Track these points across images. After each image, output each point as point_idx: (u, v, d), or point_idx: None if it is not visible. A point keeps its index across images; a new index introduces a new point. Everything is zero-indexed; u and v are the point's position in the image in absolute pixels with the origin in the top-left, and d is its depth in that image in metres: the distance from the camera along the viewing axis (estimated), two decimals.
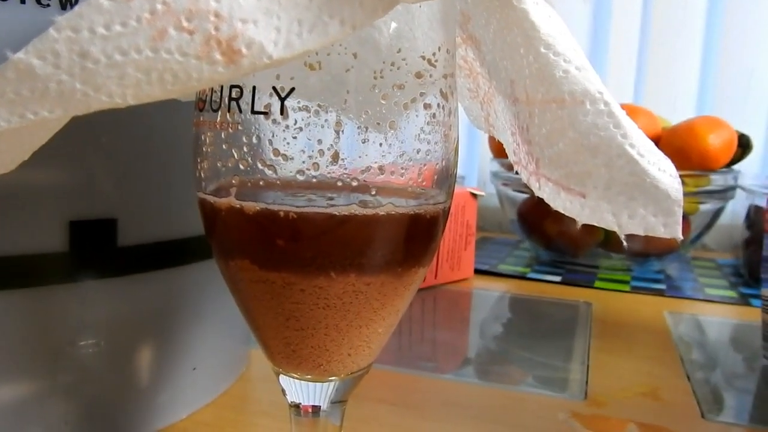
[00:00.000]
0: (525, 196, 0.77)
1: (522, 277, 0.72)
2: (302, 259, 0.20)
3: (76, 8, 0.14)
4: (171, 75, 0.15)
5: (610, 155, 0.17)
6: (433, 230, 0.22)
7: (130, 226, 0.28)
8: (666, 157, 0.18)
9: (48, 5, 0.25)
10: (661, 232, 0.17)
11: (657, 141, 0.73)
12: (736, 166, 0.76)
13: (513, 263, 0.79)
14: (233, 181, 0.20)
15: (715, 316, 0.61)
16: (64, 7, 0.25)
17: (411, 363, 0.45)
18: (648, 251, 0.74)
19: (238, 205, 0.20)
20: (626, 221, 0.17)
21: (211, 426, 0.33)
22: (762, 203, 0.69)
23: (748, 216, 0.75)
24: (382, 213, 0.20)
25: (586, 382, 0.42)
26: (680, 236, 0.17)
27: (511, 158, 0.24)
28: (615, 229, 0.18)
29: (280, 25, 0.16)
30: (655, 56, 0.95)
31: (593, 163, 0.18)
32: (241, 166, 0.20)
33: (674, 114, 0.82)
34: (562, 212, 0.19)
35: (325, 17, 0.16)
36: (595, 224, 0.18)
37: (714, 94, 0.93)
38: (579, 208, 0.19)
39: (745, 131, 0.75)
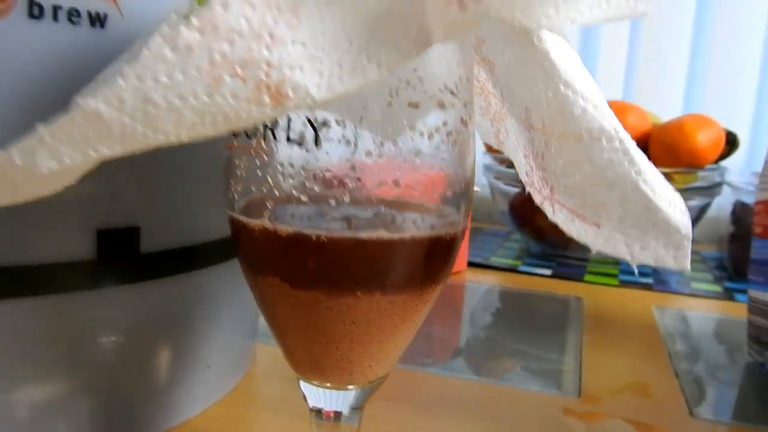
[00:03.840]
0: (516, 189, 0.79)
1: (514, 270, 0.74)
2: (331, 279, 0.21)
3: (143, 58, 0.15)
4: (223, 116, 0.16)
5: (625, 190, 0.19)
6: (452, 250, 0.23)
7: (152, 233, 0.29)
8: (676, 191, 0.19)
9: (79, 23, 0.26)
10: (671, 263, 0.18)
11: (647, 138, 0.75)
12: (722, 162, 0.77)
13: (504, 255, 0.80)
14: (267, 204, 0.21)
15: (700, 311, 0.63)
16: (93, 24, 0.26)
17: (403, 356, 0.46)
18: None
19: (271, 228, 0.21)
20: (638, 252, 0.19)
21: (221, 422, 0.35)
22: (748, 200, 0.71)
23: (734, 212, 0.77)
24: (407, 237, 0.21)
25: (580, 378, 0.44)
26: (688, 268, 0.18)
27: (522, 178, 0.25)
28: (627, 259, 0.19)
29: (323, 69, 0.17)
30: (645, 53, 0.97)
31: (608, 196, 0.19)
32: (276, 192, 0.21)
33: (663, 109, 0.84)
34: (576, 238, 0.21)
35: (364, 60, 0.17)
36: (608, 253, 0.20)
37: (702, 91, 0.95)
38: (593, 237, 0.20)
39: (731, 127, 0.77)
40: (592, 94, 0.19)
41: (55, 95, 0.25)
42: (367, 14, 0.17)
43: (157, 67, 0.15)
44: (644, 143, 0.75)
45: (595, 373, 0.45)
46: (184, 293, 0.32)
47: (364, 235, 0.20)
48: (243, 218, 0.22)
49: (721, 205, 0.85)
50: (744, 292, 0.67)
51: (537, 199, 0.23)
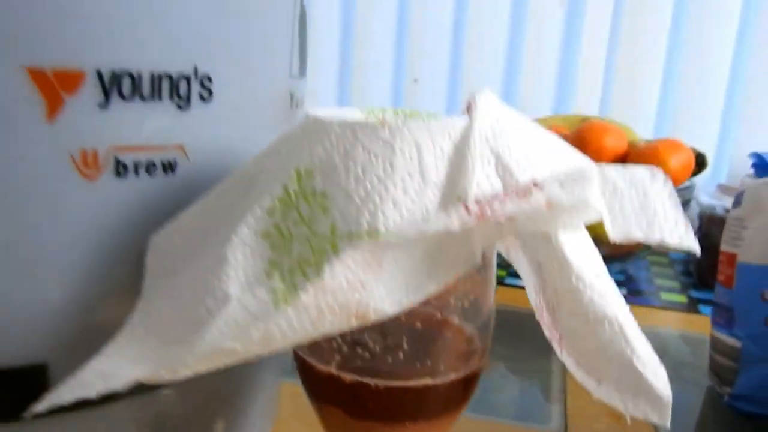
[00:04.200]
0: None
1: (499, 282, 0.79)
2: (384, 415, 0.26)
3: (271, 316, 0.20)
4: (318, 334, 0.21)
5: (622, 364, 0.24)
6: (479, 377, 0.29)
7: None
8: (660, 363, 0.24)
9: (155, 173, 0.30)
10: (654, 419, 0.24)
11: (624, 158, 0.80)
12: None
13: None
14: (334, 355, 0.26)
15: (667, 326, 0.69)
16: (165, 172, 0.30)
17: None
18: (613, 255, 0.82)
19: (336, 375, 0.26)
20: (631, 408, 0.24)
21: None
22: (717, 211, 0.78)
23: (700, 226, 0.83)
24: (447, 382, 0.26)
25: (565, 414, 0.50)
26: (668, 425, 0.23)
27: (533, 305, 0.30)
28: (621, 411, 0.25)
29: (394, 290, 0.22)
30: (621, 71, 1.04)
31: (608, 366, 0.24)
32: (344, 348, 0.26)
33: (637, 123, 0.91)
34: (580, 382, 0.26)
35: (425, 279, 0.22)
36: (606, 402, 0.25)
37: (673, 108, 1.02)
38: (594, 387, 0.25)
39: (698, 142, 0.83)
40: (599, 283, 0.25)
41: (134, 238, 0.29)
42: (430, 247, 0.22)
43: (279, 319, 0.20)
44: (622, 163, 0.81)
45: (579, 404, 0.51)
46: (239, 369, 0.37)
47: (414, 383, 0.26)
48: (312, 361, 0.27)
49: (689, 207, 0.91)
50: (708, 302, 0.74)
51: (546, 333, 0.29)
